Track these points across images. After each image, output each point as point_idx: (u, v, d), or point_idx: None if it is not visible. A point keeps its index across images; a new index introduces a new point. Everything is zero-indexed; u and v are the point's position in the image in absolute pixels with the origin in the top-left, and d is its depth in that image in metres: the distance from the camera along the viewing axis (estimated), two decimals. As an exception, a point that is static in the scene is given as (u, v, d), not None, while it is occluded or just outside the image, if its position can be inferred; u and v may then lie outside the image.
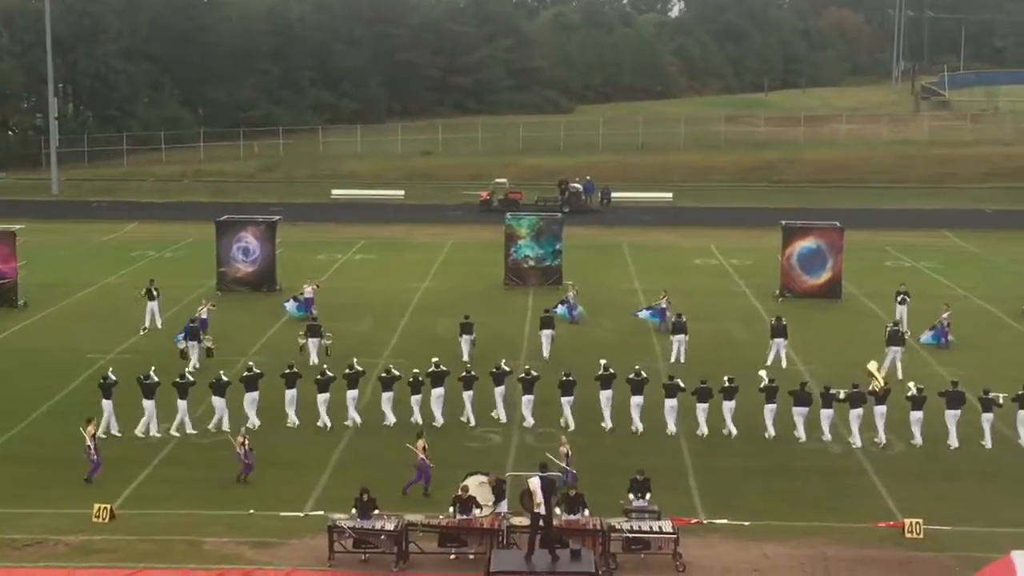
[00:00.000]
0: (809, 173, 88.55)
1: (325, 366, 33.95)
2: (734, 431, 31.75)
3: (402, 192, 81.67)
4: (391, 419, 32.23)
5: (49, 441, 31.24)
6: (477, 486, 24.82)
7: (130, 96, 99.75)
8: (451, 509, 24.44)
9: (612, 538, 23.90)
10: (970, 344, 37.64)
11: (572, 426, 32.08)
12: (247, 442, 28.63)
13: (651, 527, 24.18)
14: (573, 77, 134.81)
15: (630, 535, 24.01)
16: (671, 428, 31.79)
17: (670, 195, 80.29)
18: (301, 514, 26.38)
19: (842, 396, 31.55)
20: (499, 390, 32.80)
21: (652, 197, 79.80)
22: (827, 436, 31.38)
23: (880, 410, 31.40)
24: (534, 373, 32.97)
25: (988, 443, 31.16)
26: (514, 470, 27.45)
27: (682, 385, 32.18)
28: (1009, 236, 65.20)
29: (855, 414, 31.24)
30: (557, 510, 24.01)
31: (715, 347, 39.26)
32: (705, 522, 25.88)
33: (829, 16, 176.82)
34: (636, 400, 32.14)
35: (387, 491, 25.57)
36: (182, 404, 31.50)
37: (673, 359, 38.13)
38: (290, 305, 44.48)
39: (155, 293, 43.38)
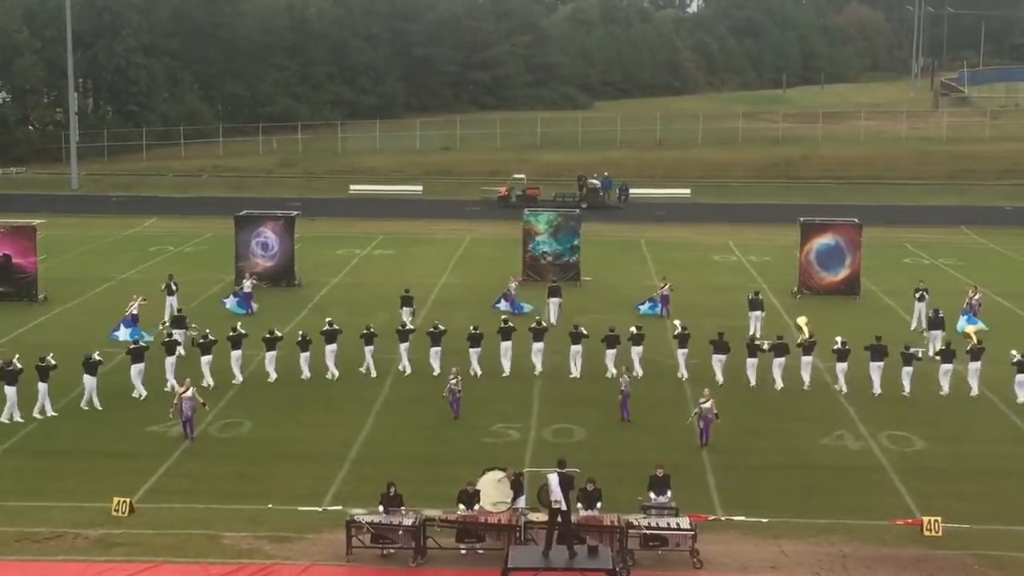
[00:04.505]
0: (827, 169, 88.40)
1: (238, 327, 36.83)
2: (640, 373, 35.93)
3: (420, 187, 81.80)
4: (273, 376, 35.89)
5: (68, 435, 31.40)
6: (495, 482, 24.82)
7: (150, 91, 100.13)
8: (460, 506, 24.58)
9: (630, 534, 23.91)
10: (987, 339, 37.61)
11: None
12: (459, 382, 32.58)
13: (669, 523, 24.16)
14: (591, 73, 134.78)
15: (648, 531, 24.00)
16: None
17: (688, 191, 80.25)
18: (319, 509, 26.43)
19: (766, 347, 35.81)
20: (434, 350, 36.81)
21: (670, 193, 79.76)
22: (752, 382, 35.56)
23: (806, 360, 35.69)
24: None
25: (907, 391, 34.85)
26: (532, 466, 27.46)
27: (585, 332, 36.84)
28: (1028, 233, 64.99)
29: (777, 362, 35.55)
30: (579, 505, 24.06)
31: (734, 343, 39.08)
32: (723, 519, 25.83)
33: (848, 12, 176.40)
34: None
35: (406, 487, 25.54)
36: (42, 387, 32.35)
37: (751, 331, 40.63)
38: (230, 302, 44.49)
39: (174, 288, 43.62)
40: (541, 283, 48.75)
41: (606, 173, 78.90)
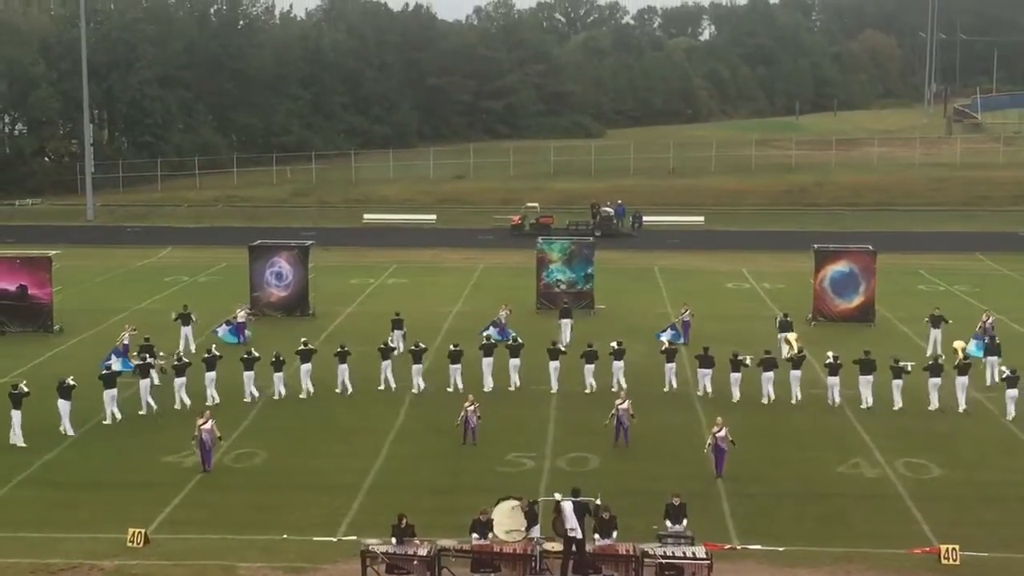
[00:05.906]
0: (841, 196, 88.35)
1: (212, 349, 37.91)
2: (624, 385, 36.35)
3: (434, 216, 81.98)
4: (253, 392, 37.05)
5: (83, 466, 31.45)
6: (509, 511, 24.73)
7: (164, 122, 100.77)
8: (473, 535, 24.49)
9: (645, 563, 23.80)
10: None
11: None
12: (477, 408, 32.75)
13: (684, 552, 24.06)
14: (603, 101, 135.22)
15: (663, 560, 23.86)
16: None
17: (701, 219, 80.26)
18: (334, 539, 26.39)
19: (748, 362, 36.77)
20: (416, 367, 37.93)
21: (683, 221, 79.79)
22: (736, 396, 36.57)
23: (795, 374, 36.90)
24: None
25: (898, 405, 35.87)
26: (546, 495, 27.38)
27: (563, 349, 38.68)
28: (1044, 259, 64.75)
29: (767, 377, 36.69)
30: (596, 536, 23.97)
31: (748, 370, 39.04)
32: (739, 547, 25.71)
33: (861, 39, 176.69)
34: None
35: (421, 517, 25.50)
36: (16, 414, 32.56)
37: (785, 355, 40.03)
38: (222, 330, 44.42)
39: (190, 318, 43.74)
40: (555, 311, 48.77)
41: (619, 201, 78.99)
